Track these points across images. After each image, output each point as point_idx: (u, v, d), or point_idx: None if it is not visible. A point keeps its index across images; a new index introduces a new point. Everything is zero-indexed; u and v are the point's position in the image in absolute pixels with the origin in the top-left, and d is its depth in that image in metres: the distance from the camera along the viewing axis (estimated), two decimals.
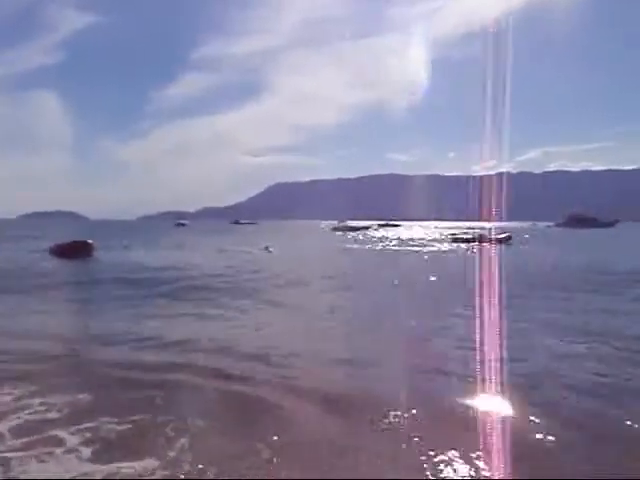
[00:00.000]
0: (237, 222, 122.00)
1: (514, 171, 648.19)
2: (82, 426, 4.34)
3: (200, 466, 3.68)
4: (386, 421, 4.50)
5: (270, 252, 28.19)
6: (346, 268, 20.22)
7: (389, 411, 4.66)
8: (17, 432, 4.26)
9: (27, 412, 4.70)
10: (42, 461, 3.78)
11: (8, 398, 5.07)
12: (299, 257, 26.30)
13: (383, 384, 5.67)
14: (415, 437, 4.12)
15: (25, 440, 4.10)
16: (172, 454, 3.87)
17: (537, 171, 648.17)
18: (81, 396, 5.11)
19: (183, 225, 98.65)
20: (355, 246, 37.66)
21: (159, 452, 3.89)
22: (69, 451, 3.95)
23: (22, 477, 3.56)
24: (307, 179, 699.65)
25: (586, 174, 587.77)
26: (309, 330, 8.70)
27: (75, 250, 23.57)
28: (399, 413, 4.63)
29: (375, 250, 32.39)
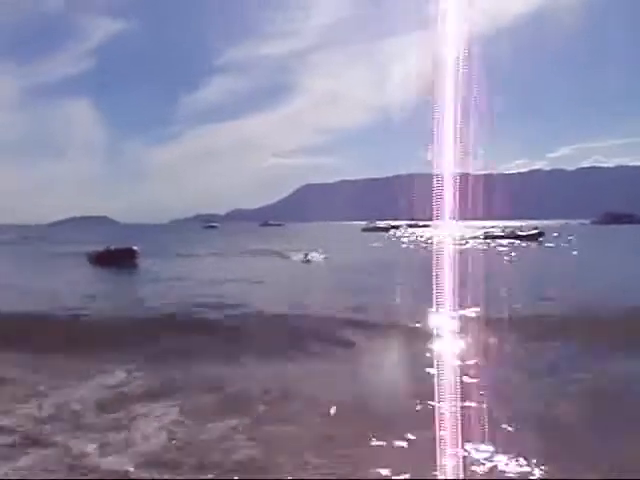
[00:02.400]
0: (266, 224, 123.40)
1: (547, 168, 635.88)
2: (175, 395, 5.41)
3: (272, 427, 4.58)
4: None
5: (309, 262, 23.44)
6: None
7: None
8: (121, 399, 5.34)
9: (128, 384, 5.90)
10: (134, 420, 4.77)
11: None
12: (350, 271, 19.55)
13: None
14: None
15: (127, 403, 5.21)
16: (254, 415, 4.88)
17: (570, 168, 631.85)
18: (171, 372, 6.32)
19: (214, 227, 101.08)
20: (404, 247, 35.73)
21: (242, 413, 4.88)
22: (162, 414, 4.90)
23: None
24: (335, 180, 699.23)
25: (621, 170, 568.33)
26: None
27: (118, 258, 22.19)
28: None
29: (422, 252, 29.54)
